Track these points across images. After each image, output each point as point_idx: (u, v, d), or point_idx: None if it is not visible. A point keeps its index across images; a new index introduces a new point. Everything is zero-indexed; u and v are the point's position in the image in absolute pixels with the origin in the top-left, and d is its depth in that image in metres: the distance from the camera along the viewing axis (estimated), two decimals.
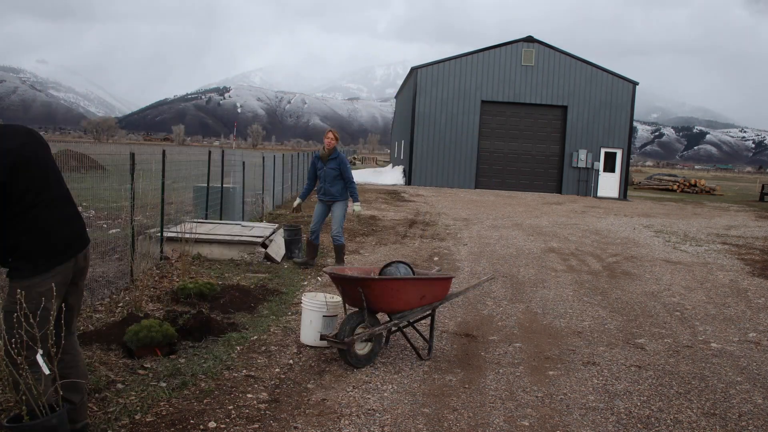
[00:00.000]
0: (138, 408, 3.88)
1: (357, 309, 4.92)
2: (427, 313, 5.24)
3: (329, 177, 8.28)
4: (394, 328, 5.02)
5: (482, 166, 29.01)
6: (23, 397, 3.07)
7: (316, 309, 5.25)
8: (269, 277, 7.90)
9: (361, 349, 4.88)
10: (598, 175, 28.73)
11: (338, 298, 5.35)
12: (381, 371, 4.82)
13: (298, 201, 8.86)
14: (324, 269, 5.25)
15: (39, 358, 3.20)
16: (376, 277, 4.87)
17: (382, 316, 5.45)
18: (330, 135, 8.31)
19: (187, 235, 7.82)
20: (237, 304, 6.42)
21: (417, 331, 5.39)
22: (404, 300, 4.91)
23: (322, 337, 4.88)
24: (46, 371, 3.23)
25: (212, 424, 3.75)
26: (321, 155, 8.34)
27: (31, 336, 3.04)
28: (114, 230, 9.28)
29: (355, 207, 8.53)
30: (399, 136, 38.11)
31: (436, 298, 5.17)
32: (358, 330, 4.80)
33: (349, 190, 8.36)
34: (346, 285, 4.86)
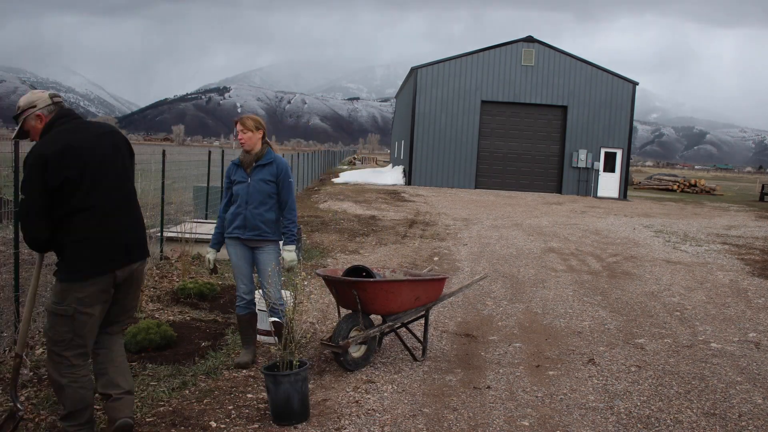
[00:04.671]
0: (138, 408, 3.88)
1: (351, 311, 4.91)
2: (421, 314, 5.24)
3: (254, 197, 4.69)
4: (387, 330, 5.01)
5: (482, 166, 28.99)
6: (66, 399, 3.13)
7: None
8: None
9: (356, 351, 4.88)
10: (598, 175, 28.72)
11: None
12: (381, 371, 4.82)
13: (211, 254, 4.96)
14: (316, 271, 5.25)
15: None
16: (371, 279, 4.86)
17: (376, 318, 5.45)
18: (247, 122, 4.73)
19: (187, 235, 7.82)
20: None
21: (411, 332, 5.39)
22: (399, 302, 4.90)
23: (321, 342, 4.89)
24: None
25: (212, 424, 3.75)
26: (241, 160, 4.80)
27: (69, 339, 3.08)
28: None
29: (285, 254, 4.73)
30: (399, 136, 38.10)
31: (431, 299, 5.17)
32: (353, 333, 4.80)
33: (284, 221, 4.76)
34: (340, 287, 4.85)
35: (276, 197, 4.72)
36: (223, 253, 5.17)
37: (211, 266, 4.93)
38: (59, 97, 3.21)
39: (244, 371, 4.68)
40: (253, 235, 4.68)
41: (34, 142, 3.14)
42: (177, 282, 7.01)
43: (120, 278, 3.20)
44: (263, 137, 4.77)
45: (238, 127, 4.72)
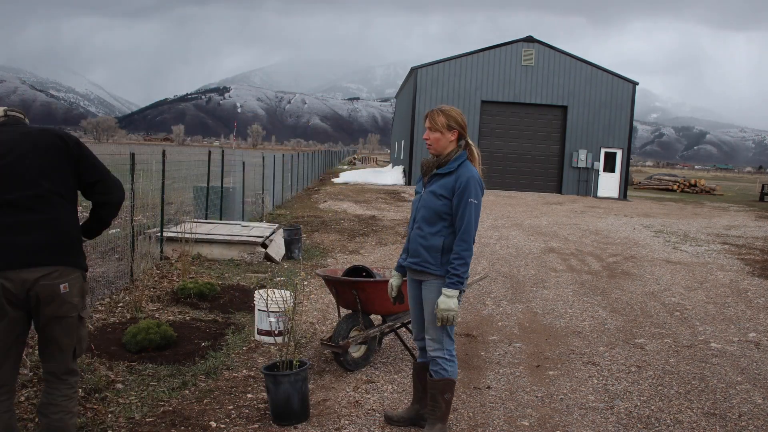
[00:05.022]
0: (138, 408, 3.88)
1: (351, 311, 4.91)
2: None
3: (420, 213, 3.65)
4: (387, 330, 5.01)
5: (482, 166, 28.97)
6: None
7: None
8: (269, 277, 7.90)
9: (356, 351, 4.89)
10: (598, 175, 28.71)
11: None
12: (381, 371, 4.82)
13: (394, 279, 3.90)
14: (316, 271, 5.23)
15: None
16: (371, 279, 4.86)
17: (376, 318, 5.45)
18: (437, 119, 3.62)
19: (187, 235, 7.82)
20: (237, 304, 6.42)
21: (411, 332, 5.38)
22: None
23: (321, 342, 4.89)
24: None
25: (212, 424, 3.75)
26: (421, 165, 3.79)
27: None
28: (114, 230, 9.28)
29: (440, 298, 3.47)
30: (399, 136, 38.10)
31: None
32: (353, 333, 4.80)
33: (452, 254, 3.51)
34: (340, 287, 4.85)
35: (449, 219, 3.55)
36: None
37: (393, 294, 3.89)
38: (14, 110, 3.01)
39: (244, 371, 4.68)
40: (413, 263, 3.62)
41: None
42: (177, 282, 7.01)
43: (15, 290, 2.68)
44: (459, 138, 3.66)
45: (426, 123, 3.65)
